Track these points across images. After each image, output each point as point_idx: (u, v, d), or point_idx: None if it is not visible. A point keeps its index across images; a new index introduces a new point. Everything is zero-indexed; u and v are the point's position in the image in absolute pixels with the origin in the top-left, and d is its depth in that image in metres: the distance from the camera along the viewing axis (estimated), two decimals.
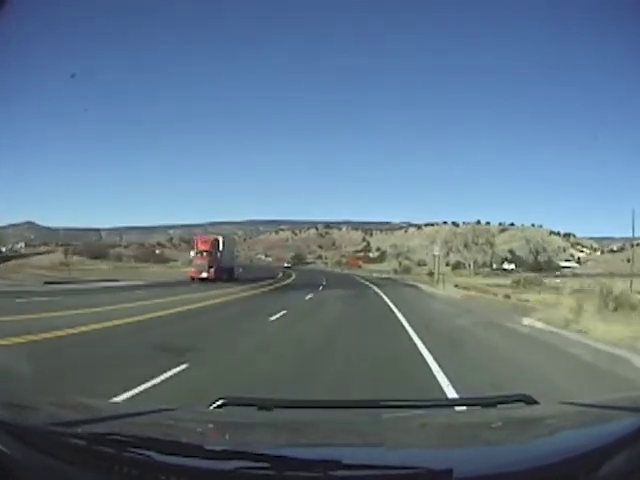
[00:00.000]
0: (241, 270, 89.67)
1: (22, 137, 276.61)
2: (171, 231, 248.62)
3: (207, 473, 1.33)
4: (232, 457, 1.35)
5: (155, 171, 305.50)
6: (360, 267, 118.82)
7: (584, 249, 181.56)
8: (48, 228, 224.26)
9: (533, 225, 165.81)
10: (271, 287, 35.81)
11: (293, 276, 59.00)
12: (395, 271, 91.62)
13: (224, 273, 41.01)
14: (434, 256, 44.35)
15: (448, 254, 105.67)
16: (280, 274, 60.76)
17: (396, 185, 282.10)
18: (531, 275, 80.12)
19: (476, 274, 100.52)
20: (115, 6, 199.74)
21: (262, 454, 1.40)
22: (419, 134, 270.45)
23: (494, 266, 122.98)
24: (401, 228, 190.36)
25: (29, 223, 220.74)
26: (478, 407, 2.46)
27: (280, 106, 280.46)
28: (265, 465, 1.32)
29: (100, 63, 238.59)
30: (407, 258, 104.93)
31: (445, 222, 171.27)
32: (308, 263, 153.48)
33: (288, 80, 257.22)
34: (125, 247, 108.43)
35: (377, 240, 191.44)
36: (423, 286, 41.86)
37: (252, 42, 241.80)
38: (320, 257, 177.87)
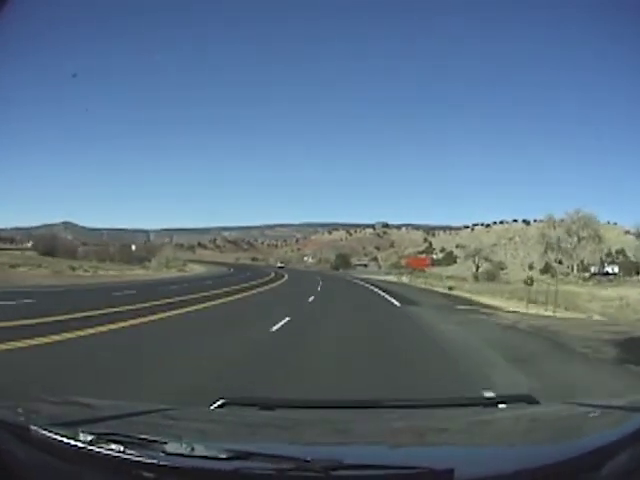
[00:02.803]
0: (232, 270, 70.93)
1: (62, 137, 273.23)
2: (226, 233, 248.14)
3: (208, 473, 1.32)
4: (233, 457, 1.34)
5: (209, 173, 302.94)
6: (425, 271, 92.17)
7: None
8: (89, 228, 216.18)
9: (608, 222, 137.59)
10: None
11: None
12: (475, 277, 64.73)
13: None
14: None
15: (546, 251, 78.16)
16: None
17: (458, 187, 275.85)
18: None
19: (584, 280, 72.69)
20: (116, 6, 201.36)
21: (263, 454, 1.39)
22: (476, 132, 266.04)
23: (593, 269, 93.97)
24: (467, 227, 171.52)
25: (66, 223, 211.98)
26: (479, 407, 2.44)
27: (341, 110, 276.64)
28: (267, 465, 1.32)
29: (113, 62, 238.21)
30: (486, 259, 78.23)
31: (515, 220, 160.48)
32: (358, 265, 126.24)
33: (344, 86, 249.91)
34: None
35: (440, 241, 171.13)
36: None
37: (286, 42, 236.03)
38: (375, 259, 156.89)
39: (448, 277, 60.37)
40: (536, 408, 2.23)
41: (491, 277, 58.29)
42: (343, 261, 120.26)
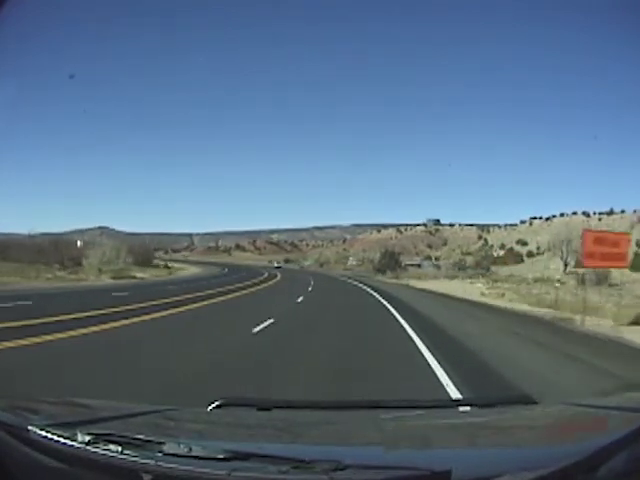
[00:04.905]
0: (226, 270, 64.60)
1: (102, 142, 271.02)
2: (274, 235, 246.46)
3: (206, 474, 1.31)
4: (231, 458, 1.34)
5: (259, 176, 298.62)
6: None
7: None
8: (126, 233, 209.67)
9: None
10: None
11: None
12: (582, 281, 45.91)
13: None
14: None
15: None
16: None
17: (509, 183, 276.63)
18: None
19: None
20: (115, 7, 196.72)
21: (261, 455, 1.39)
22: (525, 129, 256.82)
23: None
24: (523, 222, 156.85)
25: (102, 228, 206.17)
26: (477, 407, 2.45)
27: (390, 111, 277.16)
28: (265, 466, 1.32)
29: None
30: (577, 253, 60.39)
31: (575, 212, 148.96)
32: (410, 265, 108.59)
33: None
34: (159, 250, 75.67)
35: (496, 237, 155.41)
36: None
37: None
38: (429, 258, 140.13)
39: (536, 281, 41.89)
40: (534, 409, 2.20)
41: (602, 280, 40.15)
42: (391, 261, 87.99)
